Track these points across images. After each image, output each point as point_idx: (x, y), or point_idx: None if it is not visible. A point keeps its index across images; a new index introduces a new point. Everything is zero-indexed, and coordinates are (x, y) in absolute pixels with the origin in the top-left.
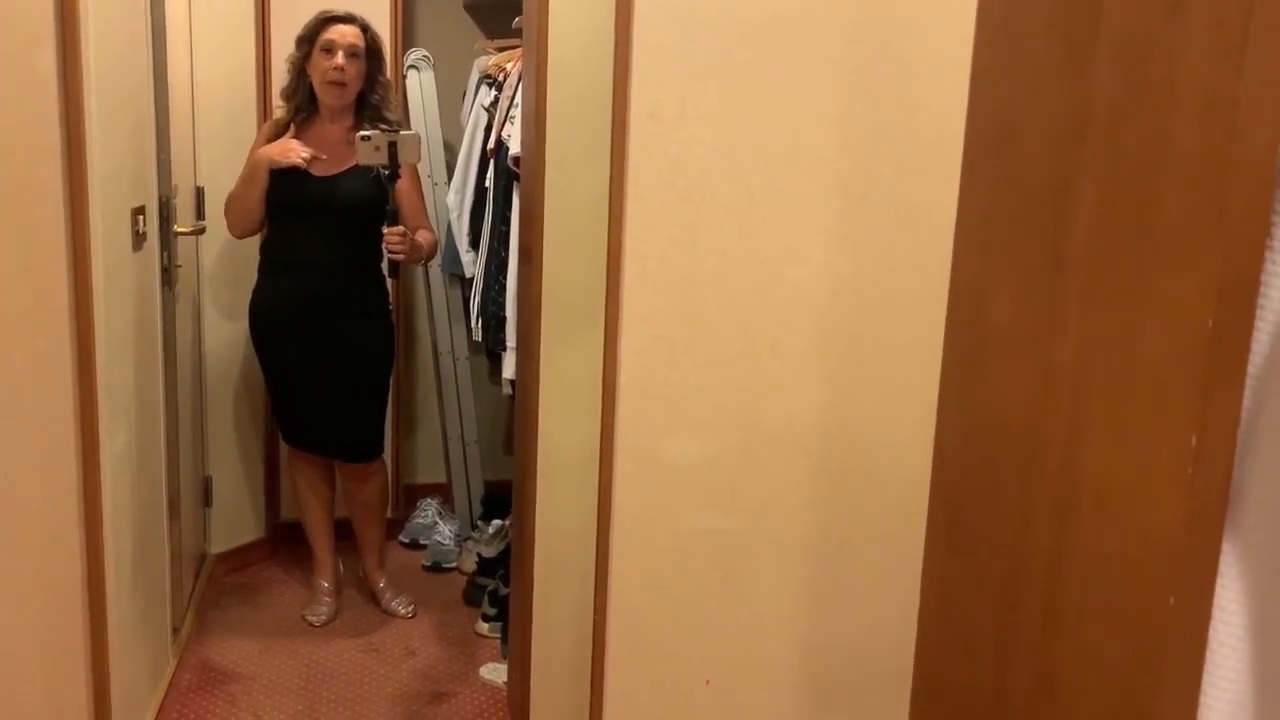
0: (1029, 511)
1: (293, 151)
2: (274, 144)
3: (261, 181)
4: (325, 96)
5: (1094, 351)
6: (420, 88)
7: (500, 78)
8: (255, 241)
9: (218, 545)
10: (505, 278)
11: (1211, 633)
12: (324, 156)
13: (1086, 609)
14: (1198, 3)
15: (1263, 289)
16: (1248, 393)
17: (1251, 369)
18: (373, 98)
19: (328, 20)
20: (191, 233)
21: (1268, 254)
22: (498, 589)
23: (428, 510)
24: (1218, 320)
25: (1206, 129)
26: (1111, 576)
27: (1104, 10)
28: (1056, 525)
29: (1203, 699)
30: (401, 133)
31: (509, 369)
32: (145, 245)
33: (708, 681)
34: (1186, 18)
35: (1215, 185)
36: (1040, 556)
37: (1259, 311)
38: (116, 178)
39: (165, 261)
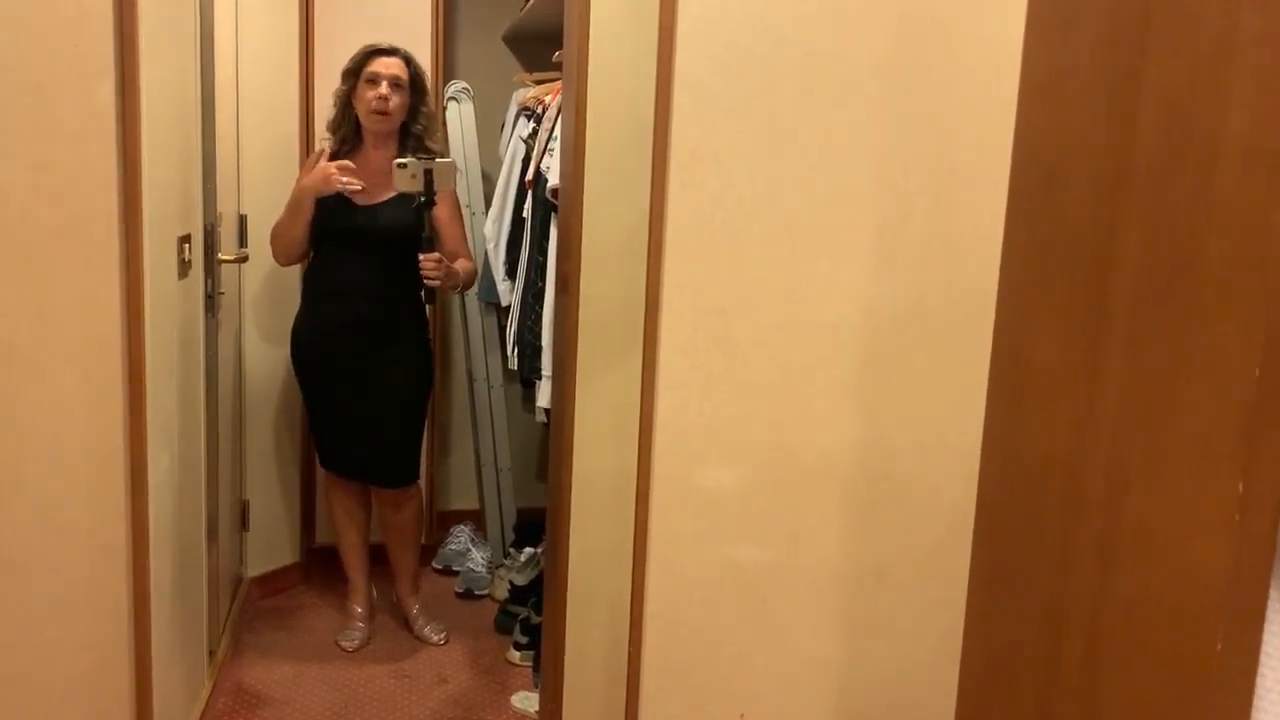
0: (1072, 553)
1: (333, 178)
2: (313, 173)
3: (307, 212)
4: (370, 124)
5: (1137, 396)
6: (460, 119)
7: (539, 110)
8: (296, 268)
9: (253, 568)
10: (541, 307)
11: (1258, 679)
12: (364, 187)
13: (1131, 652)
14: (1241, 54)
15: None
16: None
17: None
18: (415, 128)
19: (373, 53)
20: (235, 260)
21: None
22: (529, 617)
23: (460, 536)
24: (1264, 369)
25: (1250, 179)
26: (1156, 620)
27: (1148, 60)
28: (1100, 568)
29: None
30: (437, 160)
31: (544, 397)
32: (190, 273)
33: (742, 715)
34: (1230, 69)
35: (1260, 235)
36: (1083, 599)
37: None
38: (164, 207)
39: (209, 289)
